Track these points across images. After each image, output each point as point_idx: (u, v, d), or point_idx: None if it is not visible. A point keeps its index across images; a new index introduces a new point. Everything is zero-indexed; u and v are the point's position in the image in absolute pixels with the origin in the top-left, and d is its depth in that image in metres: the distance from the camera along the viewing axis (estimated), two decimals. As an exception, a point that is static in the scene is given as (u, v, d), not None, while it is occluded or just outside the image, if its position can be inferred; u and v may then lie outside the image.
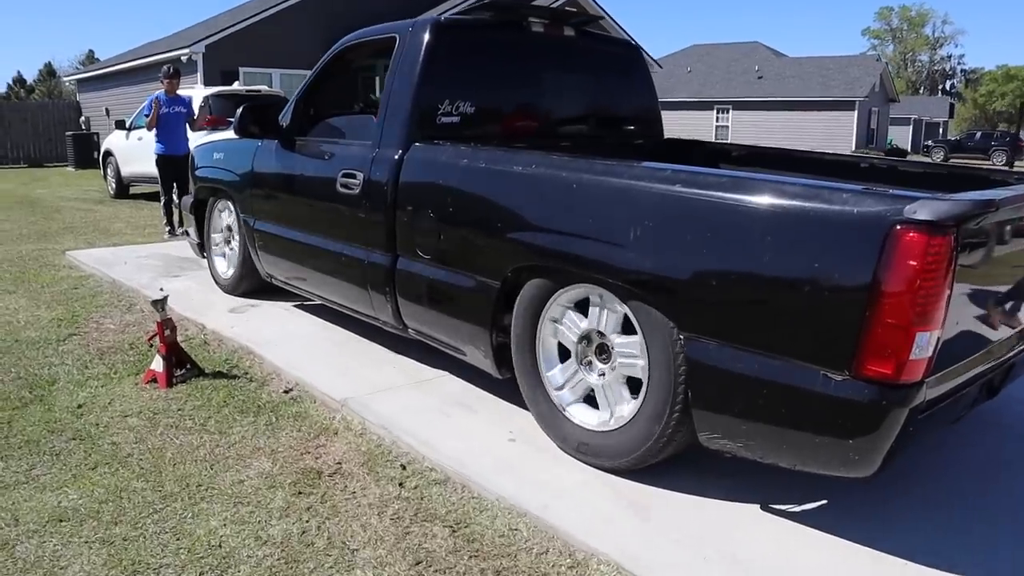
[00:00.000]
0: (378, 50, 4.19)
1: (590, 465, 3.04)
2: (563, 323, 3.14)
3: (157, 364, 3.88)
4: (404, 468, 3.08)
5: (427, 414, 3.52)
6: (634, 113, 4.81)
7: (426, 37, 3.77)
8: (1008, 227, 2.59)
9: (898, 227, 2.14)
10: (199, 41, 16.86)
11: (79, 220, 10.22)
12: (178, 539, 2.57)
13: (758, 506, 2.79)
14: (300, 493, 2.88)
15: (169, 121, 8.45)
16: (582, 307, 3.08)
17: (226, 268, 5.56)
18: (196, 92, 11.27)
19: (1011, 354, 2.91)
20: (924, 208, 2.13)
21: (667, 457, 2.89)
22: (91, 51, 61.52)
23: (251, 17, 17.71)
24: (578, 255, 2.92)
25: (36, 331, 4.79)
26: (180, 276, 6.21)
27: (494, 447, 3.22)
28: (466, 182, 3.42)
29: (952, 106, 58.84)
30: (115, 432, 3.37)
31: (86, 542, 2.54)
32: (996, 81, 76.41)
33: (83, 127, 21.39)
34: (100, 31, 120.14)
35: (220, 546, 2.54)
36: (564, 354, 3.19)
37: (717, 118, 37.98)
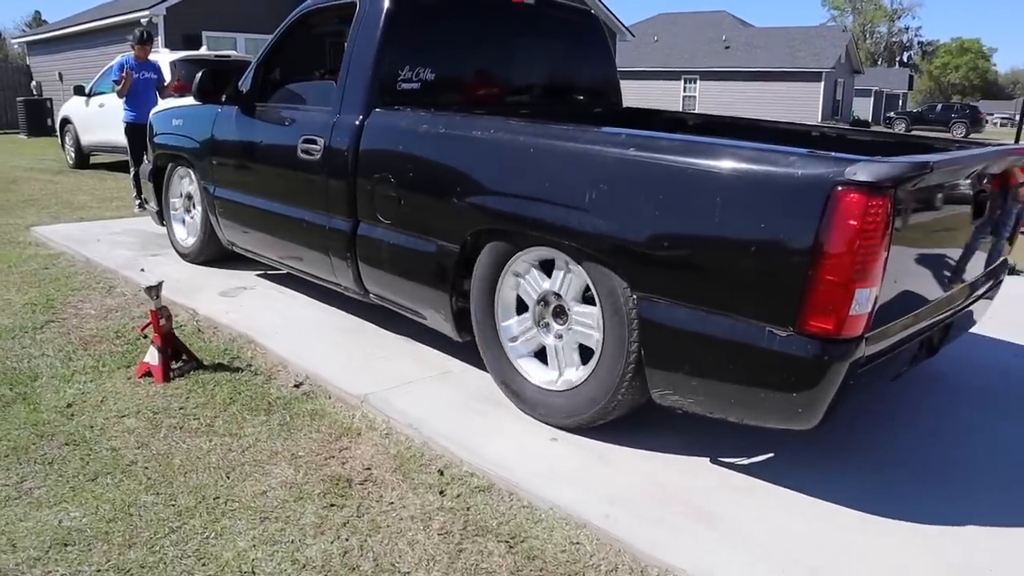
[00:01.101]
0: (340, 15, 4.13)
1: (544, 423, 3.13)
2: (526, 279, 3.19)
3: (152, 356, 3.54)
4: (442, 474, 2.81)
5: (457, 411, 3.25)
6: (593, 81, 4.86)
7: (386, 3, 3.76)
8: (944, 191, 2.70)
9: (839, 188, 2.23)
10: (160, 3, 16.04)
11: (39, 192, 9.64)
12: (203, 564, 2.28)
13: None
14: (332, 505, 2.59)
15: (139, 88, 7.92)
16: (547, 267, 3.13)
17: (186, 236, 5.54)
18: (162, 57, 10.66)
19: (948, 313, 3.03)
20: (863, 170, 2.22)
21: (620, 416, 2.97)
22: (38, 12, 58.96)
23: (214, -22, 16.90)
24: (535, 218, 2.98)
25: (9, 318, 4.38)
26: (159, 255, 5.80)
27: (537, 448, 2.97)
28: (425, 147, 3.44)
29: (911, 78, 59.41)
30: (113, 435, 3.04)
31: (98, 571, 2.24)
32: (951, 54, 77.51)
33: (34, 92, 20.35)
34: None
35: (253, 572, 2.25)
36: (522, 308, 3.24)
37: (684, 88, 37.82)
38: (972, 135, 33.08)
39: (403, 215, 3.52)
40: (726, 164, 2.48)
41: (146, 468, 2.80)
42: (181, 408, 3.28)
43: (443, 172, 3.37)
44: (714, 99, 35.87)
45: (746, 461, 2.90)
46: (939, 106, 40.60)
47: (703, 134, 4.32)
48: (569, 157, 2.90)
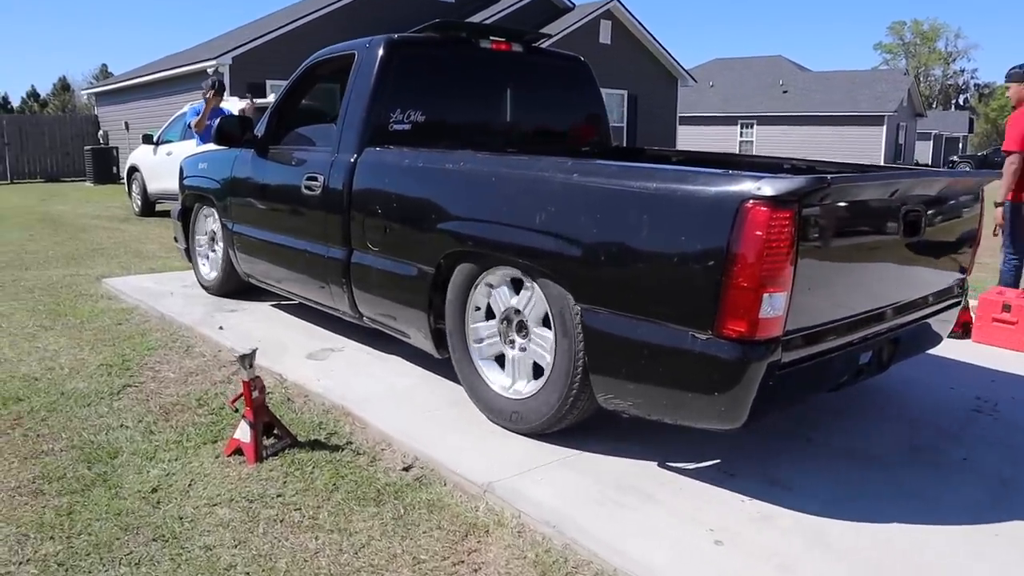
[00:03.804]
0: (342, 65, 4.41)
1: (507, 429, 3.36)
2: (496, 292, 3.42)
3: (243, 433, 3.14)
4: (597, 589, 2.33)
5: (596, 503, 2.77)
6: (581, 123, 5.12)
7: (380, 53, 4.12)
8: (870, 208, 2.90)
9: (747, 203, 2.44)
10: (226, 53, 16.23)
11: (107, 240, 9.53)
12: None
13: None
14: (473, 632, 2.13)
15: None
16: (502, 290, 3.39)
17: (209, 271, 5.94)
18: (232, 104, 10.60)
19: (886, 328, 3.17)
20: (768, 185, 2.43)
21: (574, 421, 3.19)
22: (104, 65, 61.11)
23: (278, 29, 17.08)
24: (495, 240, 3.26)
25: (83, 381, 4.06)
26: (236, 310, 5.49)
27: (702, 554, 2.47)
28: (406, 180, 3.79)
29: (972, 120, 57.96)
30: (206, 529, 2.62)
31: None
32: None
33: (101, 141, 20.79)
34: (113, 46, 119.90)
35: None
36: (490, 316, 3.48)
37: (741, 133, 37.25)
38: None
39: (388, 242, 3.83)
40: (651, 184, 2.72)
41: (247, 574, 2.37)
42: (279, 495, 2.86)
43: (420, 202, 3.67)
44: (773, 143, 35.22)
45: None
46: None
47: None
48: (523, 184, 3.20)
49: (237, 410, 3.23)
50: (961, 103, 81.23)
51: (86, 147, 20.64)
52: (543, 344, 3.21)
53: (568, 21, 20.84)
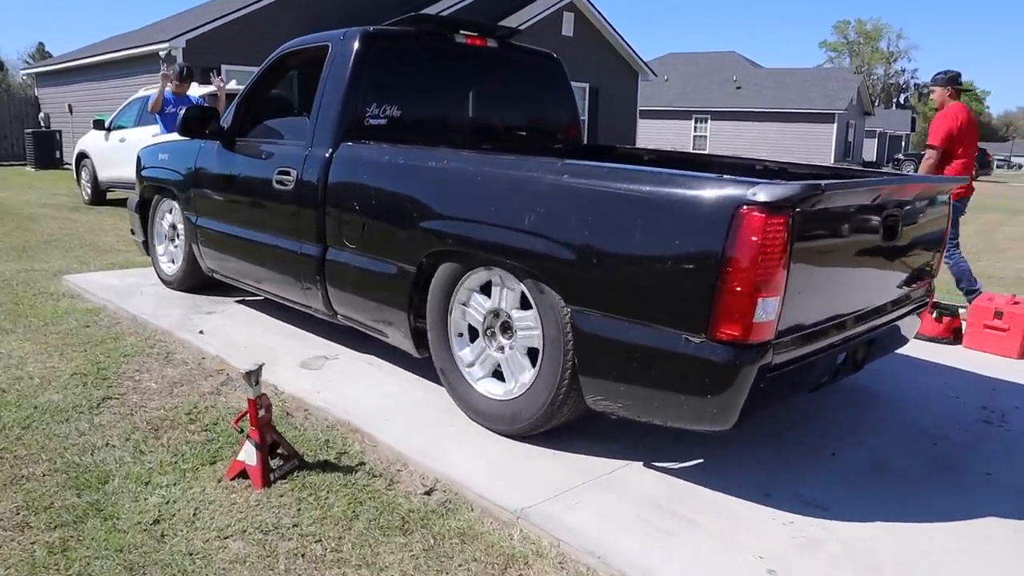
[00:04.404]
0: (314, 56, 4.30)
1: (492, 431, 3.32)
2: (471, 305, 3.41)
3: (248, 455, 2.90)
4: (657, 631, 2.18)
5: (637, 529, 2.62)
6: (553, 120, 5.10)
7: (355, 45, 4.02)
8: (851, 213, 2.95)
9: (742, 208, 2.45)
10: (180, 35, 15.54)
11: (59, 231, 9.04)
12: None
13: None
14: None
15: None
16: (486, 290, 3.37)
17: (170, 266, 5.74)
18: (192, 90, 10.14)
19: (865, 329, 3.23)
20: (762, 191, 2.44)
21: (559, 423, 3.16)
22: (41, 44, 58.72)
23: (236, 11, 16.45)
24: (482, 240, 3.21)
25: (57, 392, 3.74)
26: (214, 312, 5.19)
27: (760, 588, 2.34)
28: (386, 176, 3.70)
29: (914, 120, 59.50)
30: (221, 567, 2.39)
31: None
32: (947, 96, 77.72)
33: (43, 124, 19.85)
34: (50, 24, 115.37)
35: None
36: (473, 335, 3.45)
37: (695, 128, 37.58)
38: (981, 177, 32.88)
39: (366, 240, 3.75)
40: (645, 188, 2.71)
41: (274, 621, 2.16)
42: (295, 525, 2.64)
43: (401, 199, 3.60)
44: (726, 139, 35.61)
45: None
46: (947, 148, 40.23)
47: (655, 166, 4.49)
48: (512, 184, 3.16)
49: (242, 430, 2.98)
50: (902, 102, 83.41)
51: (26, 130, 19.67)
52: (530, 345, 3.18)
53: (530, 12, 20.60)
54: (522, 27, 19.00)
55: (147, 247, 5.97)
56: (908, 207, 3.31)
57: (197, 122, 4.74)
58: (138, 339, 4.62)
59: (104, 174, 11.62)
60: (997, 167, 49.08)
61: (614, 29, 22.65)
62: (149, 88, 11.20)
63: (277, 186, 4.22)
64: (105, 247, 8.06)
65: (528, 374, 3.17)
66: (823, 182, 2.56)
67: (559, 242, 2.92)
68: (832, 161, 33.81)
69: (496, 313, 3.35)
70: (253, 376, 2.90)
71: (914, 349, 4.93)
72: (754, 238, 2.43)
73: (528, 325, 3.17)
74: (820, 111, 35.22)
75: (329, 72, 4.10)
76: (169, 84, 7.92)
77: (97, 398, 3.68)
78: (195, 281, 5.53)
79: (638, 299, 2.72)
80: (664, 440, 3.30)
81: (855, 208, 2.98)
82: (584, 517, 2.68)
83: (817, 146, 34.42)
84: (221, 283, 5.27)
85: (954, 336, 5.30)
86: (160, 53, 15.42)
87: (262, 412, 2.93)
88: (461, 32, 4.52)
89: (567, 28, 21.47)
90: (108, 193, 11.98)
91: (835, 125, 35.09)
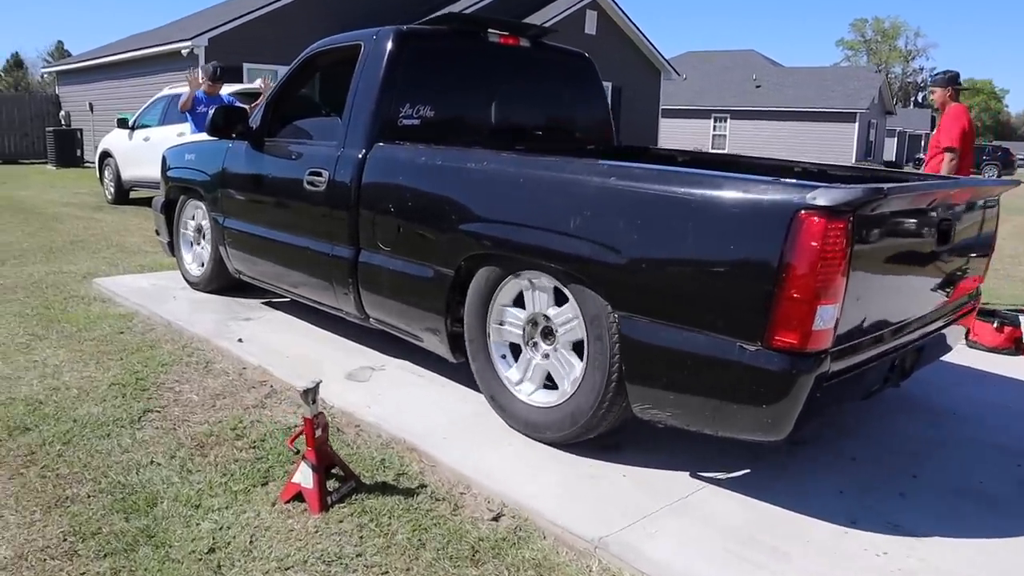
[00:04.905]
0: (345, 56, 4.24)
1: (544, 442, 3.20)
2: (507, 322, 3.33)
3: (304, 477, 2.74)
4: None
5: (724, 562, 2.44)
6: (586, 120, 5.01)
7: (389, 45, 3.96)
8: (908, 218, 2.87)
9: (801, 212, 2.37)
10: (202, 34, 15.46)
11: (85, 232, 8.93)
12: None
13: None
14: None
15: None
16: (519, 302, 3.30)
17: (196, 266, 5.68)
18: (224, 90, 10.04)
19: (917, 336, 3.15)
20: (823, 195, 2.36)
21: (605, 431, 3.07)
22: (60, 42, 59.01)
23: (258, 9, 16.36)
24: (525, 243, 3.13)
25: (96, 404, 3.60)
26: (251, 318, 5.04)
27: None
28: (423, 178, 3.62)
29: (933, 119, 58.84)
30: (283, 603, 2.23)
31: None
32: (963, 95, 77.24)
33: (63, 122, 19.80)
34: (68, 22, 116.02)
35: None
36: (515, 352, 3.36)
37: (715, 127, 37.23)
38: (1003, 176, 32.38)
39: (402, 242, 3.67)
40: (698, 191, 2.62)
41: (347, 666, 1.99)
42: (359, 555, 2.47)
43: (439, 201, 3.51)
44: (745, 138, 35.25)
45: None
46: (970, 148, 39.69)
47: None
48: (556, 186, 3.07)
49: (298, 451, 2.82)
50: (919, 101, 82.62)
51: (47, 128, 19.65)
52: (574, 339, 3.10)
53: (554, 11, 20.43)
54: (546, 25, 18.87)
55: (172, 248, 5.91)
56: (961, 211, 3.24)
57: (225, 122, 4.69)
58: (175, 347, 4.47)
59: (127, 173, 11.54)
60: (1019, 167, 48.38)
61: (637, 28, 22.44)
62: (175, 87, 11.12)
63: (308, 187, 4.15)
64: (132, 248, 7.94)
65: (578, 369, 3.09)
66: (886, 185, 2.50)
67: (606, 246, 2.83)
68: (853, 161, 33.41)
69: (534, 321, 3.28)
70: (310, 394, 2.75)
71: (976, 359, 4.73)
72: (813, 243, 2.35)
73: (568, 319, 3.09)
74: (841, 110, 34.81)
75: (362, 72, 4.04)
76: (202, 84, 7.83)
77: (138, 411, 3.53)
78: (221, 283, 5.47)
79: (690, 305, 2.64)
80: (729, 453, 3.14)
81: (911, 212, 2.90)
82: (666, 547, 2.50)
83: (839, 146, 34.03)
84: (247, 284, 5.20)
85: (1016, 347, 5.08)
86: (183, 52, 15.35)
87: (319, 432, 2.77)
88: (493, 31, 4.44)
89: (590, 26, 21.28)
90: (131, 192, 11.90)
91: (856, 124, 34.68)
